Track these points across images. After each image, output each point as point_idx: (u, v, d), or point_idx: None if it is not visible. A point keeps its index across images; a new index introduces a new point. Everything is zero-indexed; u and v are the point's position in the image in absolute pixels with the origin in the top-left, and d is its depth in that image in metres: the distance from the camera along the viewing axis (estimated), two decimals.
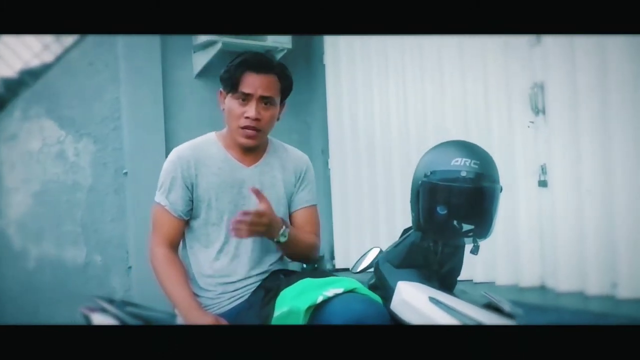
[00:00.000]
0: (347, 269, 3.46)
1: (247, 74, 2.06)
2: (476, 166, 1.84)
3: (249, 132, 2.08)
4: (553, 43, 3.12)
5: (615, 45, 2.87)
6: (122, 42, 4.08)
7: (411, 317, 1.86)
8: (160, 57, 4.18)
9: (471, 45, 3.50)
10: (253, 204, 2.07)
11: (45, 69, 4.06)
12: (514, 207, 3.30)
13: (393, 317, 1.89)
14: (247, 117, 2.05)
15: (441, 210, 1.85)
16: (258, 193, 2.01)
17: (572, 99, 3.05)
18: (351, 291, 1.84)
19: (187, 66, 4.29)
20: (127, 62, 4.10)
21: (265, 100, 2.08)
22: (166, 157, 3.93)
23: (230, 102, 2.09)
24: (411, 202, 1.96)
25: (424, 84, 3.82)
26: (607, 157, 2.93)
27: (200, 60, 4.26)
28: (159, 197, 2.13)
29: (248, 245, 2.12)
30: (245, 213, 1.96)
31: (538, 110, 3.21)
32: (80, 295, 3.92)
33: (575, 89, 3.03)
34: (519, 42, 3.26)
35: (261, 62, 2.10)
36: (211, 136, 2.21)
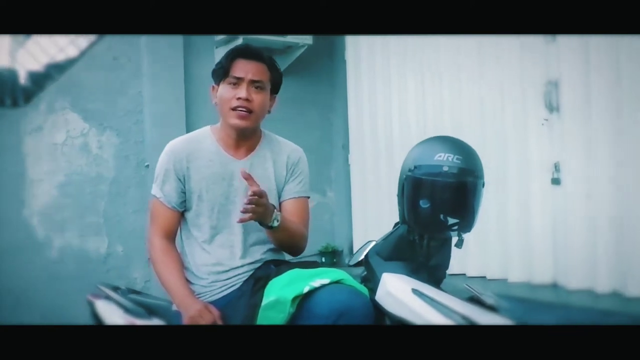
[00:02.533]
0: None
1: (237, 60, 2.11)
2: (459, 161, 1.87)
3: (241, 112, 2.09)
4: (567, 41, 3.13)
5: (629, 44, 2.88)
6: (145, 38, 4.14)
7: (394, 308, 1.89)
8: (182, 52, 4.25)
9: (487, 45, 3.52)
10: (243, 196, 2.07)
11: (70, 63, 4.13)
12: (527, 204, 3.31)
13: (378, 308, 1.92)
14: (238, 98, 2.07)
15: (424, 204, 1.89)
16: (249, 177, 2.02)
17: (586, 97, 3.07)
18: (337, 282, 1.87)
19: (209, 62, 4.32)
20: (151, 57, 4.17)
21: (256, 84, 2.10)
22: None
23: (223, 89, 2.12)
24: (397, 195, 2.00)
25: (442, 82, 3.85)
26: (620, 155, 2.94)
27: (222, 56, 4.30)
28: (155, 190, 2.17)
29: (239, 235, 2.14)
30: (248, 201, 1.96)
31: (552, 108, 3.23)
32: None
33: (589, 87, 3.04)
34: (534, 41, 3.28)
35: (251, 50, 2.15)
36: (205, 130, 2.24)
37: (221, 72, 2.13)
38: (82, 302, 3.91)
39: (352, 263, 2.21)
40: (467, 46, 3.64)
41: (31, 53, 4.17)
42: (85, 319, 2.42)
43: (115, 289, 2.37)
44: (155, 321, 2.16)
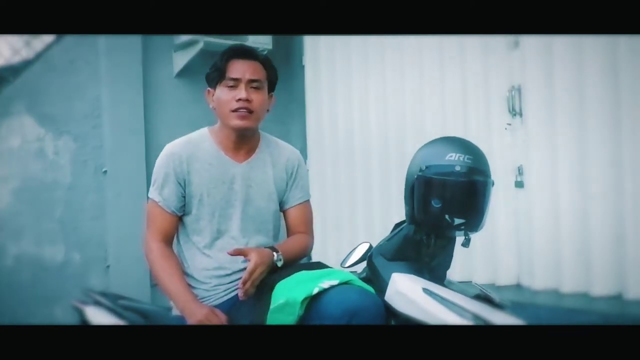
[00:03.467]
0: None
1: (232, 61, 2.10)
2: (469, 161, 1.90)
3: (242, 113, 2.09)
4: (530, 47, 3.20)
5: (591, 48, 2.96)
6: (103, 41, 4.06)
7: (406, 308, 1.90)
8: (141, 56, 4.17)
9: (450, 48, 3.56)
10: (244, 200, 2.13)
11: (26, 65, 4.03)
12: (491, 207, 3.36)
13: (387, 307, 1.93)
14: (238, 100, 2.07)
15: (436, 204, 1.90)
16: (240, 252, 2.02)
17: (549, 101, 3.13)
18: (346, 283, 1.88)
19: (167, 65, 4.30)
20: (108, 60, 4.08)
21: (253, 84, 2.10)
22: (146, 155, 4.02)
23: (220, 92, 2.11)
24: (405, 196, 2.00)
25: (404, 86, 3.87)
26: (583, 158, 3.01)
27: (181, 59, 4.27)
28: (153, 193, 2.15)
29: (240, 239, 2.14)
30: (243, 282, 1.96)
31: (515, 112, 3.29)
32: (57, 293, 3.93)
33: (552, 91, 3.11)
34: (497, 45, 3.34)
35: (245, 50, 2.15)
36: (204, 132, 2.22)
37: (216, 75, 2.11)
38: (38, 311, 3.84)
39: (345, 265, 2.22)
40: (430, 50, 3.68)
41: None
42: None
43: (104, 294, 2.30)
44: None
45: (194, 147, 2.15)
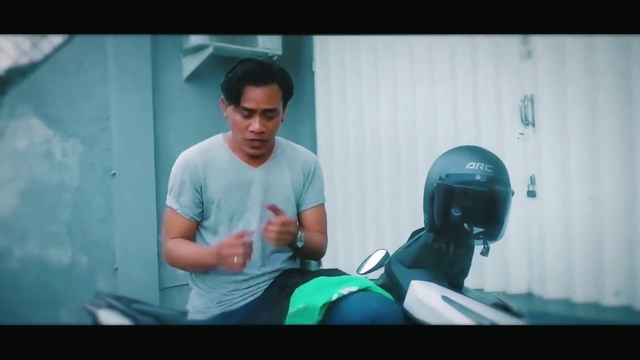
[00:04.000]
0: None
1: (247, 88, 2.04)
2: (490, 170, 1.93)
3: (256, 143, 2.10)
4: (543, 56, 3.24)
5: (603, 56, 3.00)
6: (111, 43, 4.05)
7: (425, 316, 1.93)
8: (150, 59, 4.17)
9: (463, 58, 3.59)
10: (261, 204, 2.14)
11: (33, 67, 4.03)
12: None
13: (406, 315, 1.96)
14: (251, 132, 2.07)
15: (456, 212, 1.93)
16: (275, 209, 2.04)
17: (562, 111, 3.17)
18: (365, 289, 1.89)
19: (176, 69, 4.30)
20: (117, 62, 4.08)
21: (268, 113, 2.07)
22: (155, 159, 4.02)
23: (234, 115, 2.09)
24: (424, 204, 2.03)
25: (415, 95, 3.91)
26: (595, 168, 3.05)
27: (190, 64, 4.27)
28: (170, 201, 2.16)
29: (258, 244, 2.13)
30: (270, 223, 2.00)
31: (528, 122, 3.32)
32: (64, 296, 3.94)
33: (565, 101, 3.15)
34: (510, 54, 3.37)
35: (261, 75, 2.07)
36: (218, 139, 2.23)
37: (231, 96, 2.08)
38: (43, 314, 3.84)
39: (361, 272, 2.24)
40: (442, 59, 3.70)
41: None
42: None
43: (117, 298, 2.31)
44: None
45: (209, 154, 2.16)
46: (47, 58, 4.05)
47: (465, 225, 1.93)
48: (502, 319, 1.87)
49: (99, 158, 4.06)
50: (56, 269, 4.02)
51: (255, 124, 2.06)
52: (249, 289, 2.14)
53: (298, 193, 2.26)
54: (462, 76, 3.60)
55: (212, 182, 2.13)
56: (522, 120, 3.34)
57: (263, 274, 2.15)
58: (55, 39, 4.01)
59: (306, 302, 1.87)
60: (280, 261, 2.19)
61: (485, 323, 1.82)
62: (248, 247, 1.94)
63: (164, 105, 4.23)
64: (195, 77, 4.29)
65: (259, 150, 2.13)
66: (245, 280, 2.14)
